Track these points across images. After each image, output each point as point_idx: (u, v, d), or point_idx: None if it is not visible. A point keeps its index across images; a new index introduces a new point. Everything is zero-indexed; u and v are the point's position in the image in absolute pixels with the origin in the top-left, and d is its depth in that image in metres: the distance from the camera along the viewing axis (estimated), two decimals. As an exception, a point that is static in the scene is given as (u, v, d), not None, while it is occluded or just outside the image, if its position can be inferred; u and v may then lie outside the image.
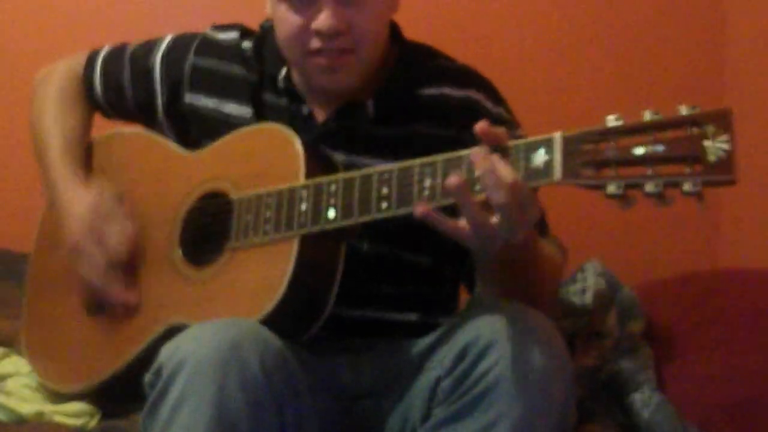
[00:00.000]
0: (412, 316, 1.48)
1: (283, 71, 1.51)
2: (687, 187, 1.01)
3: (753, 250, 2.22)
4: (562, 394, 1.18)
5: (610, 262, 1.92)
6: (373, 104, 1.47)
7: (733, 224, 2.35)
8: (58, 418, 1.48)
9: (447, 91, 1.49)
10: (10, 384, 1.60)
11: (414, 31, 1.57)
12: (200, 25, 1.66)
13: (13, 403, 1.51)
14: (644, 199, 1.04)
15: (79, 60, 1.71)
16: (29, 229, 1.82)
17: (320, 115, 1.50)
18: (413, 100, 1.48)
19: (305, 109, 1.50)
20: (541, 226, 1.43)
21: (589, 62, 2.38)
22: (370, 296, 1.46)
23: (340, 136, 1.47)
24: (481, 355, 1.18)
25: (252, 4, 1.59)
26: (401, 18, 1.54)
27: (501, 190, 1.11)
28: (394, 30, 1.54)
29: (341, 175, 1.29)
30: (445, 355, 1.25)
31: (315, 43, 1.39)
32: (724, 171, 1.00)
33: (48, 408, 1.50)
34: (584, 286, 1.83)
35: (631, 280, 1.95)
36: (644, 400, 1.60)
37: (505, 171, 1.11)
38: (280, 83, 1.51)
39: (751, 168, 2.22)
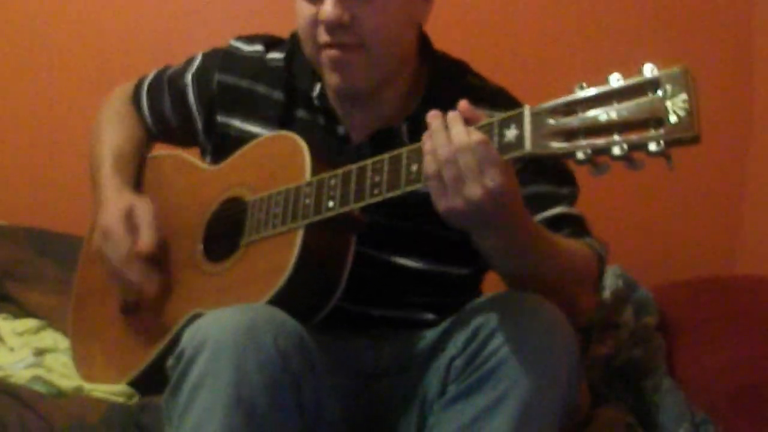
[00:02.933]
0: (438, 317, 1.49)
1: (317, 88, 1.50)
2: (652, 147, 1.03)
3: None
4: (566, 371, 1.22)
5: (631, 265, 1.95)
6: (407, 129, 1.47)
7: (754, 229, 2.33)
8: (96, 394, 1.53)
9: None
10: (49, 359, 1.66)
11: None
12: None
13: (53, 378, 1.56)
14: (615, 163, 1.07)
15: (131, 88, 1.74)
16: (67, 208, 1.89)
17: (355, 138, 1.49)
18: None
19: (341, 130, 1.50)
20: (574, 227, 1.44)
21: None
22: (399, 301, 1.49)
23: None
24: (490, 336, 1.23)
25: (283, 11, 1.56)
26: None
27: (447, 146, 1.15)
28: (425, 44, 1.53)
29: (341, 170, 1.33)
30: (458, 337, 1.29)
31: (323, 36, 1.39)
32: (685, 129, 1.02)
33: (87, 385, 1.56)
34: (602, 285, 1.87)
35: (651, 282, 1.97)
36: (655, 386, 1.63)
37: (457, 133, 1.15)
38: (315, 101, 1.51)
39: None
